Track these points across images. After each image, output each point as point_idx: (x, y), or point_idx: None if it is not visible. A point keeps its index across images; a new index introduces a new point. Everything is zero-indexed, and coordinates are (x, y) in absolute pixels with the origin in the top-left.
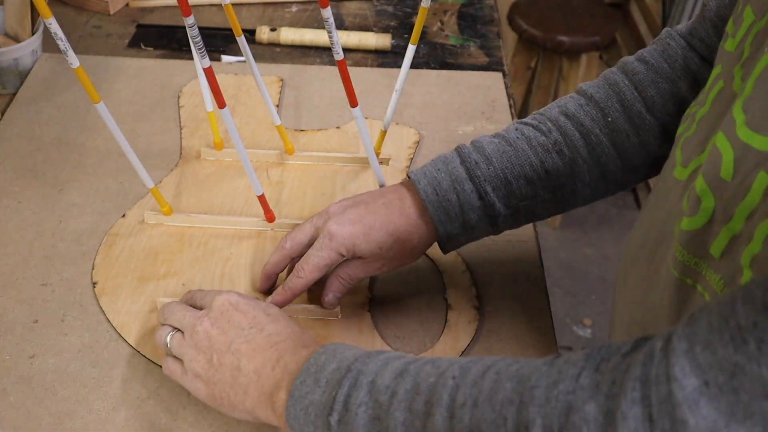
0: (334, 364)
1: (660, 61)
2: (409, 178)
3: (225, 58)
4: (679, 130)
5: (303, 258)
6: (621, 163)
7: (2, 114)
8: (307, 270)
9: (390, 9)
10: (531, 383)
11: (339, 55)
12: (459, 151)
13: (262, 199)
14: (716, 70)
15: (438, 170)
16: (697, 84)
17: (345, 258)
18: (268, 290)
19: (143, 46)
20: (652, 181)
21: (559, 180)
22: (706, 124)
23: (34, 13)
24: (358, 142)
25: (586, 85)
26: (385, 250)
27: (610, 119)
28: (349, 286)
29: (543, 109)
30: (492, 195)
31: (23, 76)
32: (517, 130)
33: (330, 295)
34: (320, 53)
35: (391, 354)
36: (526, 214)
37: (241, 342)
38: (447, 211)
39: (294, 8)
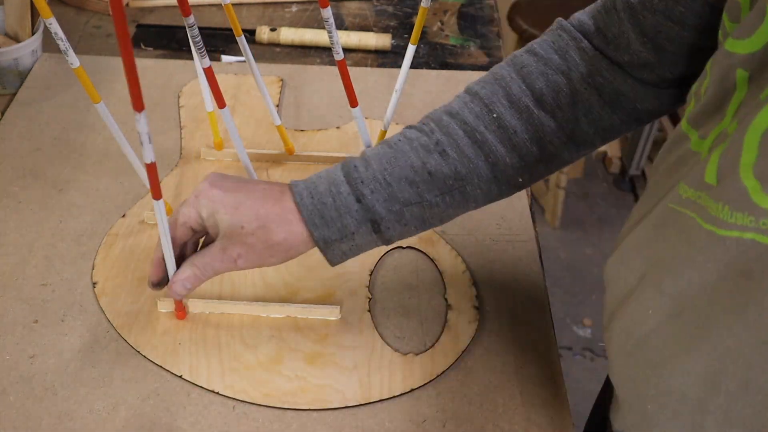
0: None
1: (550, 52)
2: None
3: (225, 58)
4: (689, 108)
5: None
6: (511, 161)
7: (2, 114)
8: (170, 228)
9: (390, 9)
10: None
11: (339, 55)
12: (343, 161)
13: None
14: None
15: (318, 177)
16: (591, 76)
17: (201, 230)
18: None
19: (143, 46)
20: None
21: (445, 182)
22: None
23: (34, 13)
24: (358, 142)
25: (473, 82)
26: (247, 233)
27: (495, 115)
28: (201, 277)
29: (430, 111)
30: (370, 197)
31: (23, 76)
32: (400, 133)
33: (178, 284)
34: (320, 53)
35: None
36: (414, 220)
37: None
38: (322, 215)
39: (294, 8)
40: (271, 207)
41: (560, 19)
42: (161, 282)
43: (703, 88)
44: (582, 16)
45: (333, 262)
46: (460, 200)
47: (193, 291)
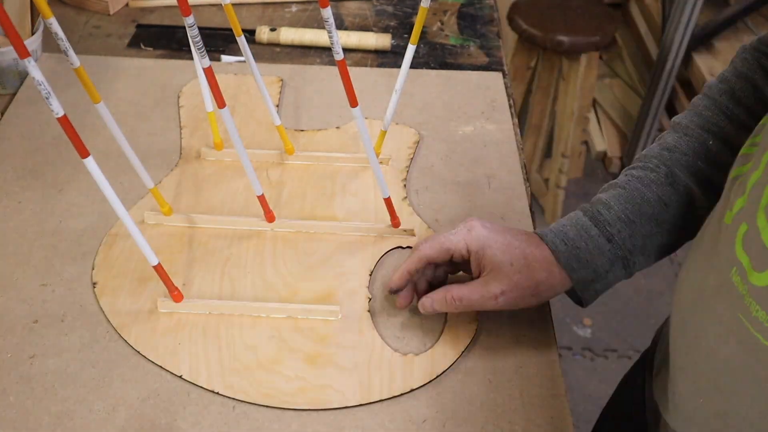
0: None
1: (740, 78)
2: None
3: (225, 58)
4: (737, 170)
5: (432, 236)
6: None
7: (2, 114)
8: (427, 245)
9: (390, 9)
10: None
11: (339, 55)
12: (580, 207)
13: (262, 199)
14: None
15: (563, 225)
16: None
17: (453, 263)
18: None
19: (143, 46)
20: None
21: (679, 210)
22: None
23: (34, 13)
24: (358, 142)
25: (679, 117)
26: (514, 271)
27: (710, 143)
28: (452, 304)
29: (644, 150)
30: (618, 237)
31: (23, 76)
32: (626, 175)
33: (428, 301)
34: (320, 53)
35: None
36: (654, 249)
37: None
38: (578, 258)
39: (294, 8)
40: (535, 250)
41: (743, 44)
42: (400, 289)
43: None
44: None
45: (587, 303)
46: (692, 225)
47: (437, 312)
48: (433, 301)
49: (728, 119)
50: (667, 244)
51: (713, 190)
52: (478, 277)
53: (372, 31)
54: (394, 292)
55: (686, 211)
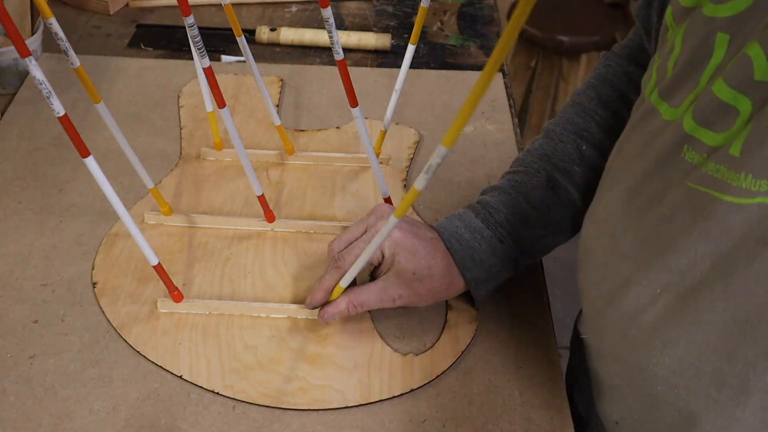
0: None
1: (605, 84)
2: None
3: (225, 58)
4: (650, 87)
5: (347, 249)
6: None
7: (2, 114)
8: (348, 261)
9: (390, 9)
10: None
11: (339, 55)
12: (470, 207)
13: (261, 199)
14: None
15: (457, 226)
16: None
17: (380, 263)
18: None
19: (143, 46)
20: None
21: (561, 212)
22: (686, 62)
23: (34, 13)
24: (358, 142)
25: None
26: (415, 279)
27: (584, 148)
28: (353, 312)
29: (521, 155)
30: (508, 239)
31: (23, 76)
32: (509, 180)
33: (329, 314)
34: (320, 53)
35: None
36: (540, 250)
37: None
38: (472, 258)
39: (294, 8)
40: (439, 259)
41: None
42: (317, 307)
43: (671, 61)
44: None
45: (478, 301)
46: (572, 223)
47: (339, 317)
48: (335, 314)
49: (597, 125)
50: (551, 244)
51: (586, 188)
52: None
53: (372, 31)
54: (314, 307)
55: (567, 213)
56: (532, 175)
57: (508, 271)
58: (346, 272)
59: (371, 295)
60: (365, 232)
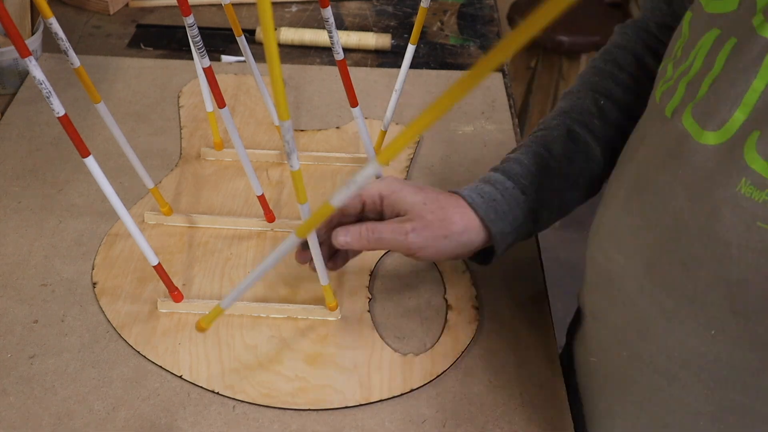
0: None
1: (622, 50)
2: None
3: (225, 58)
4: (675, 101)
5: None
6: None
7: (2, 114)
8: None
9: (390, 9)
10: None
11: (339, 55)
12: (490, 168)
13: (262, 199)
14: (711, 35)
15: (476, 183)
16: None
17: (366, 211)
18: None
19: (143, 46)
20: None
21: (581, 165)
22: (724, 85)
23: (34, 13)
24: (358, 142)
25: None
26: (428, 210)
27: (602, 102)
28: (364, 240)
29: (543, 117)
30: (530, 190)
31: (23, 76)
32: (531, 136)
33: (342, 233)
34: (320, 53)
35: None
36: (558, 205)
37: None
38: (495, 209)
39: (294, 8)
40: (450, 197)
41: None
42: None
43: (678, 46)
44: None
45: (498, 255)
46: (589, 180)
47: (351, 246)
48: (347, 232)
49: (615, 83)
50: (569, 200)
51: (607, 145)
52: None
53: (372, 31)
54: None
55: (586, 167)
56: (552, 129)
57: (528, 225)
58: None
59: (385, 226)
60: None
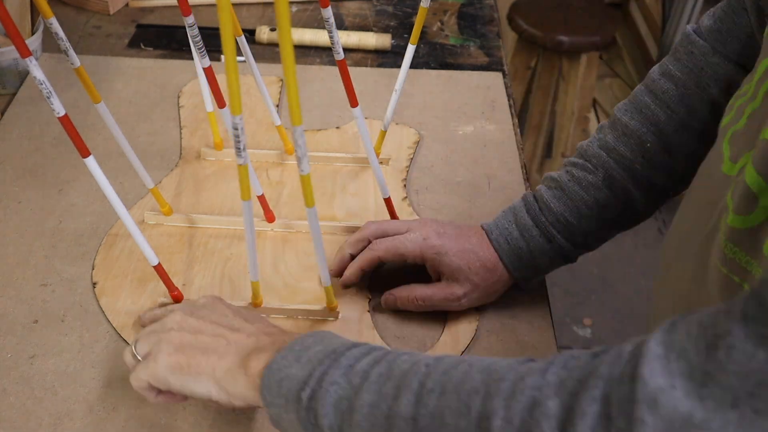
0: (320, 346)
1: (687, 75)
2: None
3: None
4: (725, 121)
5: (387, 238)
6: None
7: (2, 114)
8: (383, 248)
9: (390, 9)
10: (499, 375)
11: (339, 55)
12: (524, 199)
13: (262, 199)
14: (766, 62)
15: (509, 221)
16: (730, 87)
17: (423, 266)
18: (338, 273)
19: (143, 46)
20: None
21: (617, 210)
22: (757, 119)
23: (34, 13)
24: (358, 142)
25: (620, 110)
26: (473, 273)
27: (648, 145)
28: (413, 306)
29: (584, 143)
30: (558, 238)
31: (23, 76)
32: (567, 173)
33: (392, 299)
34: (320, 53)
35: (376, 346)
36: (595, 243)
37: (225, 324)
38: (519, 257)
39: (294, 8)
40: (486, 253)
41: (689, 29)
42: (354, 284)
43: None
44: (708, 24)
45: (527, 290)
46: (628, 220)
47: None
48: (396, 299)
49: (668, 118)
50: (606, 237)
51: (651, 189)
52: (437, 278)
53: (372, 31)
54: (347, 287)
55: (623, 210)
56: (589, 172)
57: (558, 263)
58: (378, 258)
59: (436, 293)
60: (407, 231)
